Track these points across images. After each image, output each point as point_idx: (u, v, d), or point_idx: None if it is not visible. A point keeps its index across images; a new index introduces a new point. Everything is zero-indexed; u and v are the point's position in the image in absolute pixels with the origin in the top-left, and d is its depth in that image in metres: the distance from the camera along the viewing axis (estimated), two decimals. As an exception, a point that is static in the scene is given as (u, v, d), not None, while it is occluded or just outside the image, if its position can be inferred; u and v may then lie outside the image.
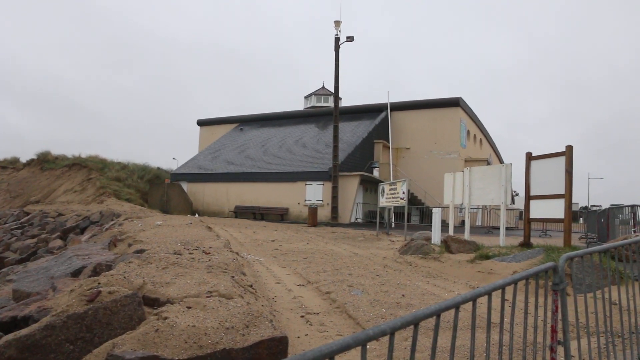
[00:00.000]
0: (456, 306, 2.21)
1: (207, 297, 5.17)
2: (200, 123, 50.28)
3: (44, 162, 41.25)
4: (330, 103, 44.31)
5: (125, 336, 4.02)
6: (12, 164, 47.31)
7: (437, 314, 2.09)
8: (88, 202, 27.86)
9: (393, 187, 19.01)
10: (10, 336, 4.26)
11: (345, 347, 1.63)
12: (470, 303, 2.43)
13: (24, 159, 47.11)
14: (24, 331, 4.27)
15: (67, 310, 4.39)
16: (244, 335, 4.25)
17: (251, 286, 6.45)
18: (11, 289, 7.20)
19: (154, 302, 5.10)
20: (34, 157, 43.98)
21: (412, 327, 1.98)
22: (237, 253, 9.28)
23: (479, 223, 31.48)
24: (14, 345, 4.15)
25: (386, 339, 1.89)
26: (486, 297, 2.59)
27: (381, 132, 37.24)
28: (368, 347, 2.27)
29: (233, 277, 6.26)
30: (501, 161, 50.00)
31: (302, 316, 6.26)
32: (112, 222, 15.45)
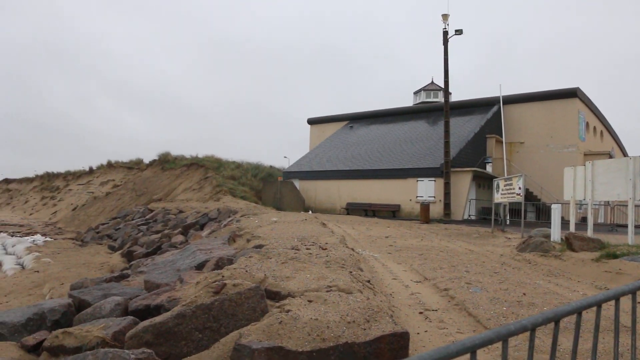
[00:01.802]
0: (598, 304, 2.11)
1: (327, 291, 5.26)
2: (311, 122, 51.09)
3: (165, 162, 43.63)
4: (440, 98, 43.55)
5: (251, 327, 4.18)
6: (136, 165, 50.51)
7: (578, 311, 2.00)
8: (205, 199, 29.12)
9: (508, 182, 18.39)
10: (146, 322, 4.55)
11: (488, 342, 1.60)
12: (609, 302, 2.30)
13: (146, 160, 50.24)
14: (158, 318, 4.56)
15: (195, 300, 4.63)
16: (365, 329, 4.27)
17: (369, 282, 6.47)
18: (143, 280, 7.67)
19: (275, 295, 5.25)
20: (156, 158, 46.70)
21: (547, 324, 1.91)
22: (352, 249, 9.35)
23: (600, 220, 29.73)
24: (150, 331, 4.44)
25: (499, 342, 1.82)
26: (628, 296, 2.45)
27: (494, 127, 36.09)
28: (483, 348, 2.19)
29: (351, 272, 6.32)
30: (625, 154, 46.88)
31: (420, 312, 6.20)
32: (230, 219, 16.05)
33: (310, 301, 4.86)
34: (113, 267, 16.72)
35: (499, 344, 4.67)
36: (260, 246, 8.18)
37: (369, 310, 4.67)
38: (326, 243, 8.69)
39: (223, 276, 5.45)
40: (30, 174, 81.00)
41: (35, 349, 5.27)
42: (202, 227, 18.46)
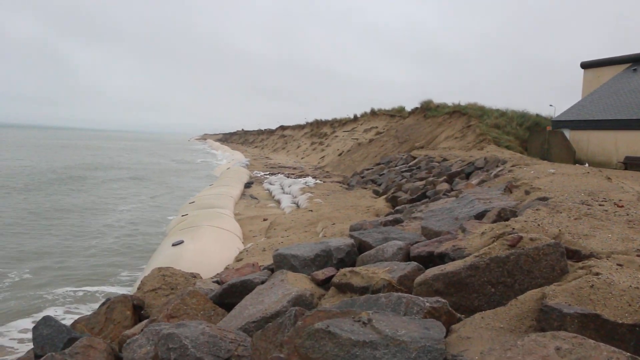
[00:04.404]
0: None
1: (638, 255, 4.54)
2: (584, 65, 46.32)
3: (427, 110, 43.70)
4: None
5: (555, 287, 3.73)
6: (398, 113, 51.66)
7: None
8: (468, 148, 28.49)
9: None
10: (436, 271, 4.39)
11: None
12: None
13: (407, 107, 51.09)
14: (448, 268, 4.35)
15: (489, 252, 4.31)
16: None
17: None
18: (419, 226, 7.61)
19: (574, 254, 4.70)
20: (417, 106, 47.05)
21: None
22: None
23: None
24: (441, 280, 4.27)
25: None
26: None
27: None
28: None
29: (662, 235, 5.42)
30: None
31: None
32: (499, 169, 15.34)
33: (620, 265, 4.22)
34: (378, 211, 17.28)
35: None
36: (544, 199, 7.53)
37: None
38: (620, 200, 7.67)
39: (513, 229, 5.04)
40: (302, 122, 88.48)
41: (324, 283, 5.50)
42: (467, 176, 18.03)
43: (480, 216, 7.07)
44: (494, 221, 6.46)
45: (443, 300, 3.82)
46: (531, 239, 4.39)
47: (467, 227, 5.99)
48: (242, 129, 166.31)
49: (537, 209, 6.16)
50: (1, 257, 15.36)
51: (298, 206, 21.46)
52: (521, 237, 4.39)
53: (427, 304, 3.71)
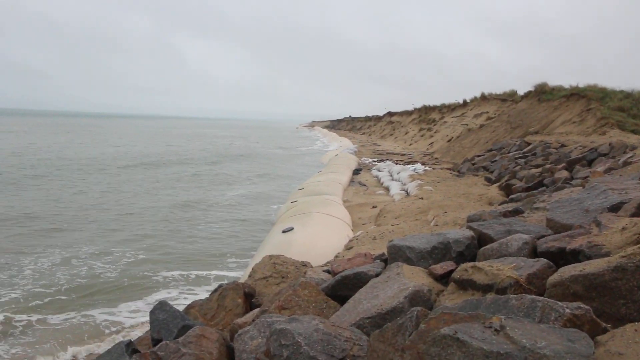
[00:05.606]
0: None
1: None
2: None
3: (541, 93, 41.41)
4: None
5: None
6: (510, 97, 49.50)
7: None
8: (588, 133, 26.65)
9: None
10: (574, 271, 3.90)
11: None
12: None
13: (520, 91, 48.80)
14: (589, 268, 3.86)
15: (639, 253, 3.79)
16: None
17: None
18: (543, 218, 7.05)
19: None
20: (531, 89, 44.70)
21: None
22: None
23: None
24: (580, 282, 3.78)
25: None
26: None
27: None
28: None
29: None
30: None
31: None
32: (628, 155, 14.09)
33: None
34: (491, 199, 16.54)
35: None
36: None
37: None
38: None
39: (661, 224, 4.44)
40: (409, 107, 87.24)
41: (442, 278, 5.15)
42: (589, 163, 16.80)
43: (615, 208, 6.39)
44: (633, 214, 5.80)
45: (586, 307, 3.35)
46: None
47: (602, 221, 5.39)
48: (350, 116, 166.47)
49: (690, 202, 5.46)
50: (121, 239, 16.18)
51: (407, 193, 21.01)
52: (677, 237, 3.83)
53: (567, 310, 3.27)
